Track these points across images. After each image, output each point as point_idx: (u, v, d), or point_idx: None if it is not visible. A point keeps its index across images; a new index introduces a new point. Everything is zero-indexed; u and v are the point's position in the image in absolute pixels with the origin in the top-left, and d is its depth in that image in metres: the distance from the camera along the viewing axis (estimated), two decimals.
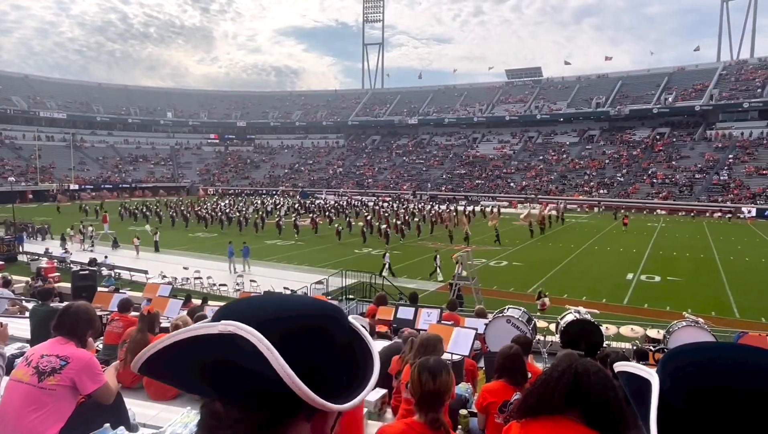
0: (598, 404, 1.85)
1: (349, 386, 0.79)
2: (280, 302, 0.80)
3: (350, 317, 0.87)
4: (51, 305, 6.67)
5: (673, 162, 62.17)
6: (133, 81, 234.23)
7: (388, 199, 61.88)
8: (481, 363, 8.06)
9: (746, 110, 65.32)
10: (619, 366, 0.85)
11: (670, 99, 72.02)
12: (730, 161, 59.06)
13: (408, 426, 2.45)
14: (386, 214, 41.38)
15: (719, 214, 48.31)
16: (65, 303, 3.80)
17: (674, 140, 67.53)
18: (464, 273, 18.08)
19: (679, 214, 50.70)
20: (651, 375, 0.77)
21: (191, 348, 0.71)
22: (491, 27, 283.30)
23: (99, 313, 7.77)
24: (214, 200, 59.16)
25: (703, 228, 40.26)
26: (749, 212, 48.45)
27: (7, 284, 12.93)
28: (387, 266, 22.43)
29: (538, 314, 14.06)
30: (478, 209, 50.02)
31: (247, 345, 0.68)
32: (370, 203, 54.82)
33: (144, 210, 44.87)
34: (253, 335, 0.68)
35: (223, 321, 0.70)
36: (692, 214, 48.78)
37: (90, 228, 32.21)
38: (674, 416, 0.71)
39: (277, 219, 37.35)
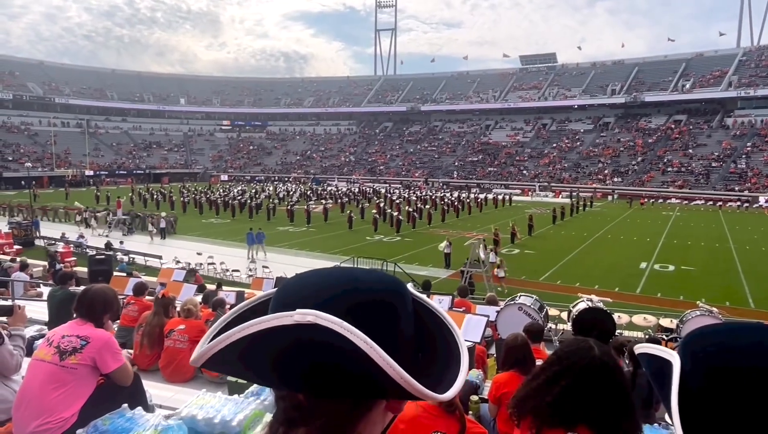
0: (607, 420, 1.81)
1: (434, 363, 0.75)
2: (345, 278, 0.74)
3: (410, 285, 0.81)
4: (70, 289, 6.78)
5: (690, 150, 61.20)
6: (143, 67, 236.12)
7: (398, 186, 61.79)
8: (492, 350, 8.09)
9: (766, 96, 63.91)
10: (640, 348, 0.84)
11: (687, 86, 70.75)
12: (748, 149, 57.98)
13: (422, 409, 2.48)
14: (398, 201, 41.37)
15: (738, 203, 47.56)
16: (83, 287, 3.87)
17: (691, 127, 66.41)
18: (491, 258, 18.54)
19: (692, 203, 50.01)
20: (672, 355, 0.76)
21: (263, 340, 0.65)
22: (502, 11, 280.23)
23: None
24: (227, 186, 59.49)
25: (718, 217, 39.72)
26: (767, 201, 47.68)
27: (24, 267, 13.19)
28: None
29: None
30: (490, 196, 49.76)
31: (330, 336, 0.62)
32: (382, 190, 54.78)
33: (157, 196, 45.25)
34: (342, 326, 0.62)
35: (299, 310, 0.64)
36: (718, 204, 47.40)
37: (108, 213, 32.77)
38: (695, 396, 0.70)
39: (288, 206, 37.50)
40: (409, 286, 0.83)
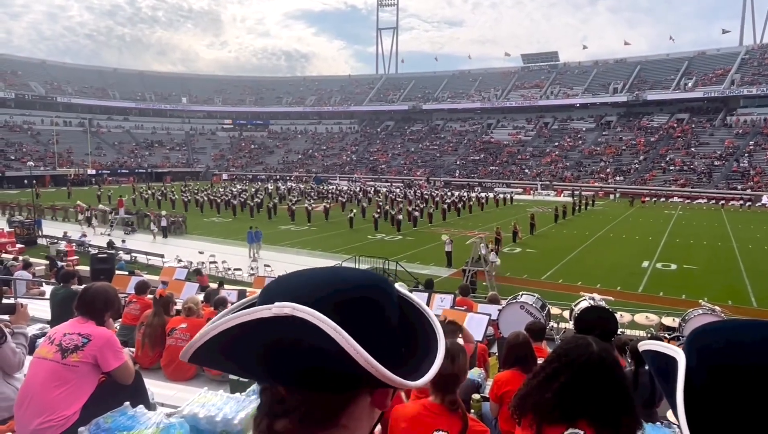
0: (607, 415, 1.82)
1: (413, 356, 0.76)
2: (328, 276, 0.75)
3: (398, 285, 0.83)
4: (72, 287, 6.79)
5: (692, 149, 61.05)
6: (145, 66, 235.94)
7: (399, 185, 61.72)
8: (494, 349, 8.08)
9: None
10: (645, 345, 0.84)
11: (690, 84, 70.60)
12: (751, 147, 57.81)
13: (424, 407, 2.48)
14: (399, 201, 41.32)
15: (740, 202, 47.41)
16: (84, 285, 3.87)
17: (693, 126, 66.24)
18: (492, 258, 18.72)
19: (695, 201, 49.84)
20: (677, 352, 0.76)
21: (243, 333, 0.67)
22: (504, 9, 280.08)
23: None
24: (227, 185, 59.50)
25: (721, 216, 39.64)
26: None
27: (27, 266, 13.21)
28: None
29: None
30: (491, 195, 49.67)
31: (306, 327, 0.64)
32: (383, 189, 54.72)
33: (159, 196, 45.30)
34: (314, 316, 0.64)
35: (277, 303, 0.66)
36: (720, 203, 47.31)
37: (112, 212, 32.84)
38: (698, 393, 0.70)
39: (289, 204, 37.52)
40: (398, 286, 0.84)
